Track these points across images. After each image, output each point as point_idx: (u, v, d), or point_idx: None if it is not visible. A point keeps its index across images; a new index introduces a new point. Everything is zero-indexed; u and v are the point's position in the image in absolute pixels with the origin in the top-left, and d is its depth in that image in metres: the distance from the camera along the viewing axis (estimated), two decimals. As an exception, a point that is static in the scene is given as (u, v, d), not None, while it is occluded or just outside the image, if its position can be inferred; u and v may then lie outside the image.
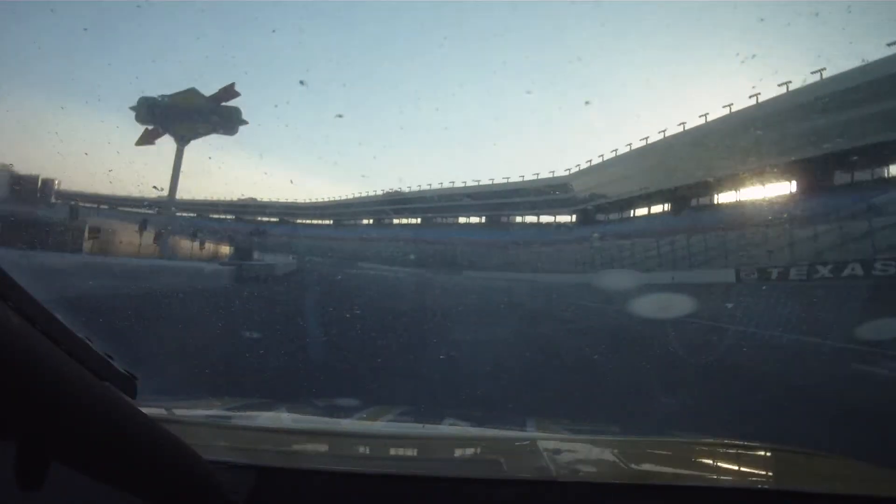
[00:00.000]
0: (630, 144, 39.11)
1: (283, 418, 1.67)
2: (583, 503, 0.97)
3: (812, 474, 1.32)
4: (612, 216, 44.52)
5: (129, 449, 0.65)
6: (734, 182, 30.02)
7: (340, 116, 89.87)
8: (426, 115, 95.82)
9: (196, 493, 0.76)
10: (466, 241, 52.55)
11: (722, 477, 1.27)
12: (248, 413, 1.74)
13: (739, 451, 1.51)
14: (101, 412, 0.62)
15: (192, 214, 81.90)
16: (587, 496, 0.98)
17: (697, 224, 28.99)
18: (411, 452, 1.38)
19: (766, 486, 1.16)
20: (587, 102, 74.25)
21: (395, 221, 69.17)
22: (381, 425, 1.71)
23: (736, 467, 1.40)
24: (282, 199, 77.73)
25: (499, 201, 55.35)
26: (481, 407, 3.95)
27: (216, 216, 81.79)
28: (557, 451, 1.22)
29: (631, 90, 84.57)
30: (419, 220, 66.31)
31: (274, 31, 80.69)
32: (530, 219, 57.85)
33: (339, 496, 0.94)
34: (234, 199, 75.96)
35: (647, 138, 37.16)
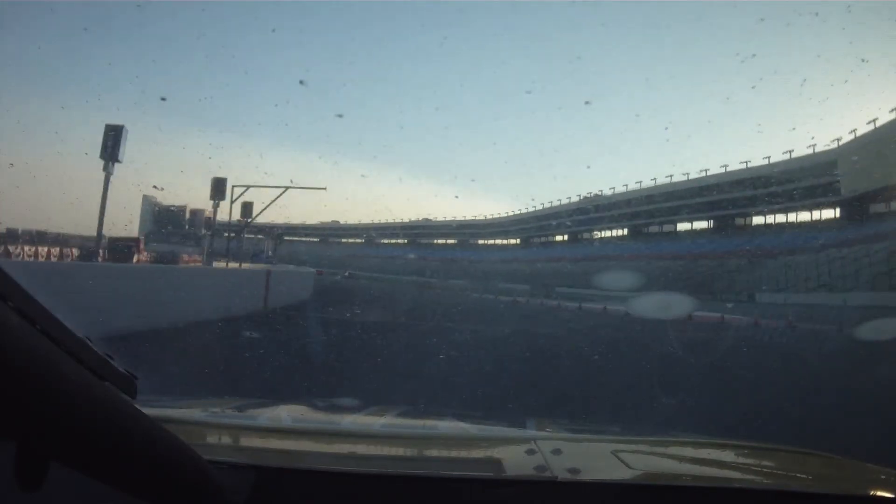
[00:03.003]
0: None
1: (283, 418, 1.82)
2: (582, 503, 1.06)
3: (812, 474, 1.44)
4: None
5: (129, 449, 0.72)
6: None
7: (340, 116, 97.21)
8: (426, 115, 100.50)
9: (196, 493, 0.82)
10: (696, 254, 47.79)
11: (722, 477, 1.35)
12: (248, 413, 1.91)
13: (739, 451, 1.67)
14: (101, 412, 0.68)
15: (359, 240, 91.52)
16: (587, 496, 1.07)
17: None
18: (411, 452, 1.49)
19: (766, 486, 1.26)
20: (587, 102, 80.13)
21: (598, 235, 67.22)
22: (381, 425, 1.83)
23: (736, 467, 1.50)
24: (458, 218, 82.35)
25: (730, 196, 47.92)
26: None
27: (385, 241, 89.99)
28: (557, 451, 1.30)
29: (631, 90, 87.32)
30: (625, 231, 62.63)
31: (274, 30, 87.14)
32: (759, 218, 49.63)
33: (339, 496, 1.02)
34: (407, 220, 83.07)
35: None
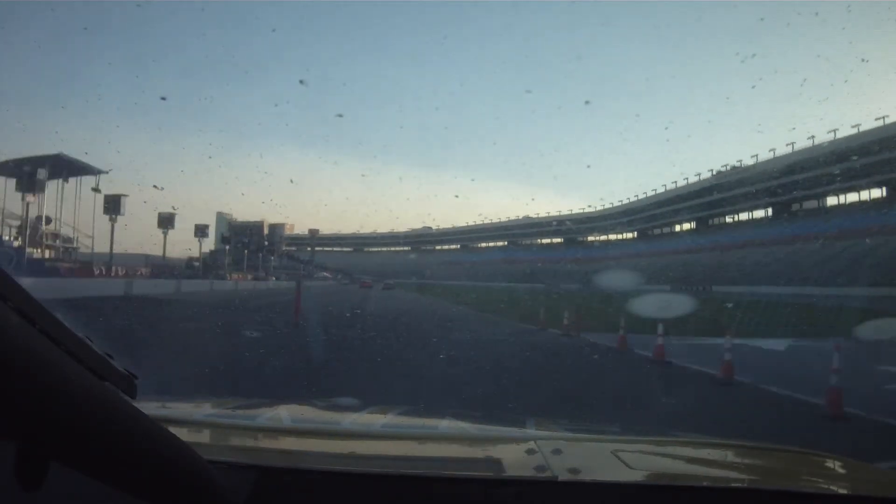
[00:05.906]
0: None
1: (283, 418, 1.91)
2: (582, 503, 1.14)
3: (812, 474, 1.53)
4: None
5: (129, 449, 0.76)
6: None
7: (340, 116, 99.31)
8: (426, 115, 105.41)
9: (196, 493, 0.86)
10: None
11: (722, 477, 1.45)
12: (248, 413, 2.02)
13: (739, 451, 1.80)
14: (100, 412, 0.73)
15: (455, 246, 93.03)
16: (587, 496, 1.15)
17: None
18: (411, 452, 1.60)
19: (766, 486, 1.32)
20: (587, 102, 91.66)
21: (729, 220, 63.02)
22: (381, 425, 1.93)
23: (736, 467, 1.62)
24: (561, 212, 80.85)
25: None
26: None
27: (483, 245, 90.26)
28: (557, 451, 1.38)
29: (631, 90, 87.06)
30: (769, 212, 58.27)
31: (274, 30, 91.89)
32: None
33: (339, 496, 1.09)
34: (504, 219, 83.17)
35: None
